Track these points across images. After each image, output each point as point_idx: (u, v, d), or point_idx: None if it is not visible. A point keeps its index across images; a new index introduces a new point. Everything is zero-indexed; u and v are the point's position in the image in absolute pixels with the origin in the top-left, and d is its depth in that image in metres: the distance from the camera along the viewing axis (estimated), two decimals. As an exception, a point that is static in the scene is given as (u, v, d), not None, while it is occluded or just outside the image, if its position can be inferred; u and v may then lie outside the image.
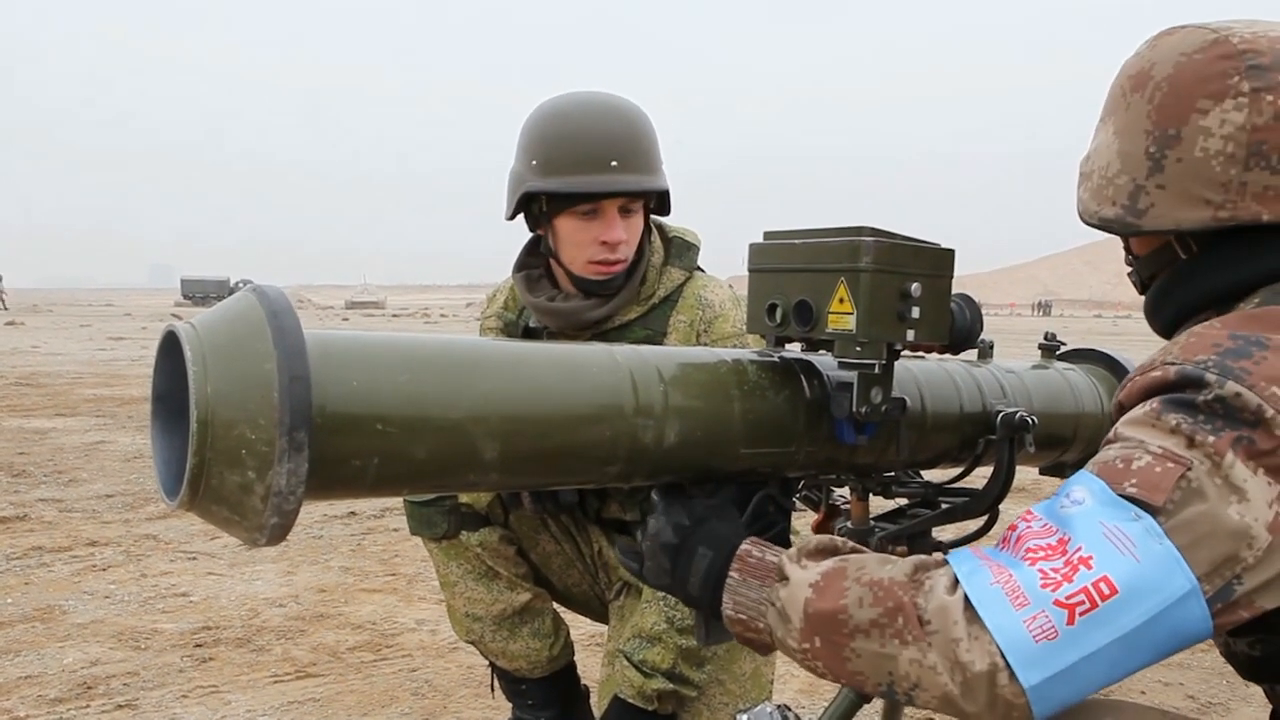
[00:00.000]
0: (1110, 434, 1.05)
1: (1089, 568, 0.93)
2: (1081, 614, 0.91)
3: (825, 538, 1.12)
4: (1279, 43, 1.12)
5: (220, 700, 2.77)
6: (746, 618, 1.11)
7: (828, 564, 1.05)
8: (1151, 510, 0.94)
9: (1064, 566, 0.94)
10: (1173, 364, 1.03)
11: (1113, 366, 1.74)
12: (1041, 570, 0.94)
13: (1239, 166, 1.10)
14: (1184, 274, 1.20)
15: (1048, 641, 0.92)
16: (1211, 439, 0.95)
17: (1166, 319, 1.23)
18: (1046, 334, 1.77)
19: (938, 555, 1.04)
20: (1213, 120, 1.11)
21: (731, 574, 1.13)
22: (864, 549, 1.11)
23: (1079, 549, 0.94)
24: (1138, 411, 1.02)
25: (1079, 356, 1.79)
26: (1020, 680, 0.91)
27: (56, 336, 21.97)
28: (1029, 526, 1.00)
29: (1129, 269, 1.31)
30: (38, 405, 9.16)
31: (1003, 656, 0.92)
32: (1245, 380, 0.97)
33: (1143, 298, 1.32)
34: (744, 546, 1.14)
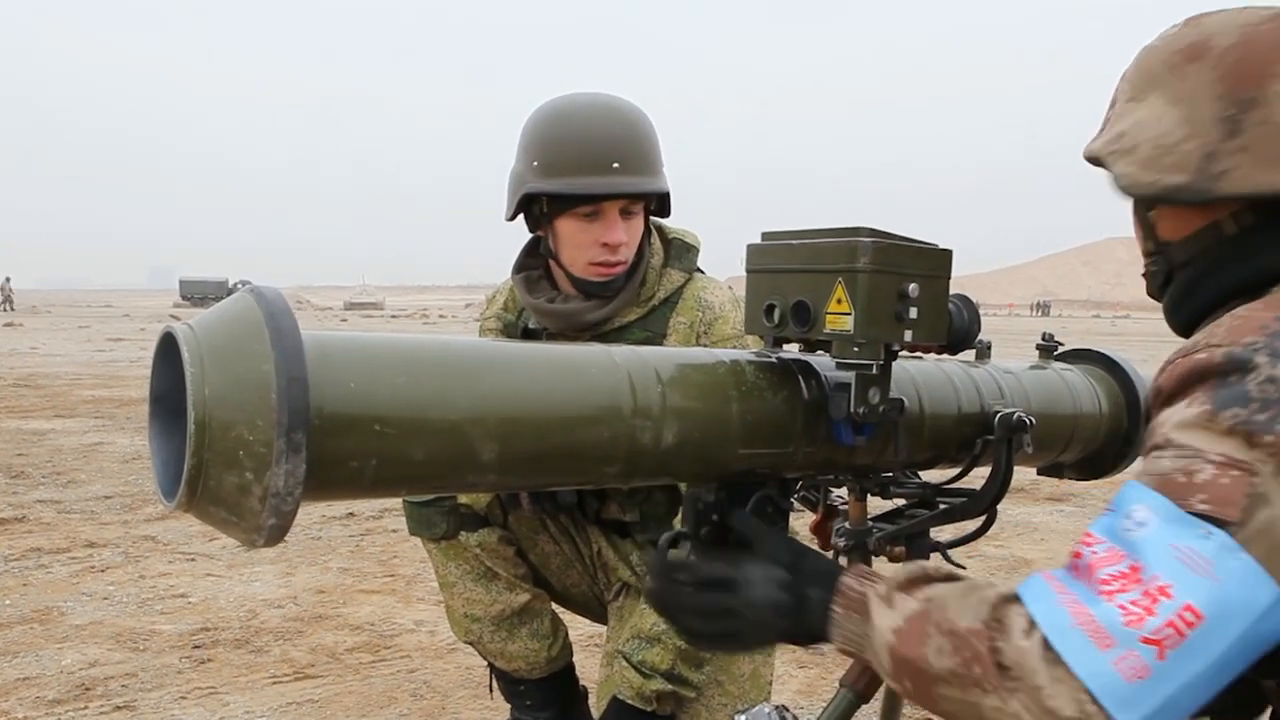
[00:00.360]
0: (1157, 437, 1.01)
1: (1169, 597, 0.90)
2: (1171, 647, 0.89)
3: (917, 566, 1.11)
4: None
5: (219, 701, 2.77)
6: (855, 650, 1.11)
7: (912, 605, 1.04)
8: (1224, 525, 0.91)
9: (1143, 599, 0.91)
10: (1218, 346, 1.00)
11: (1110, 367, 1.74)
12: (1122, 606, 0.91)
13: None
14: (1229, 251, 1.16)
15: (1140, 681, 0.89)
16: (1269, 436, 0.92)
17: (1195, 308, 1.18)
18: (1044, 334, 1.77)
19: (1013, 588, 1.01)
20: None
21: (836, 609, 1.12)
22: (956, 576, 1.08)
23: (1155, 577, 0.91)
24: (1188, 412, 0.99)
25: (1077, 357, 1.79)
26: (1117, 718, 0.89)
27: (55, 337, 21.96)
28: (1095, 553, 0.96)
29: (1150, 258, 1.26)
30: (36, 406, 9.15)
31: (1094, 702, 0.89)
32: None
33: (1148, 295, 1.30)
34: (844, 580, 1.14)
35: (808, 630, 1.15)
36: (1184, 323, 1.21)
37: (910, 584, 1.08)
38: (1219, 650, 0.89)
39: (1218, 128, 1.11)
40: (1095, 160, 1.24)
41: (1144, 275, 1.30)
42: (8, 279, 50.91)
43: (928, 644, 1.00)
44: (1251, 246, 1.14)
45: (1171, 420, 0.99)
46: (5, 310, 46.78)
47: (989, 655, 0.95)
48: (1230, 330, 1.01)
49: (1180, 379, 1.02)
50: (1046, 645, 0.92)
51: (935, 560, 1.22)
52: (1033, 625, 0.94)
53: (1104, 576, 0.94)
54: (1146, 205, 1.23)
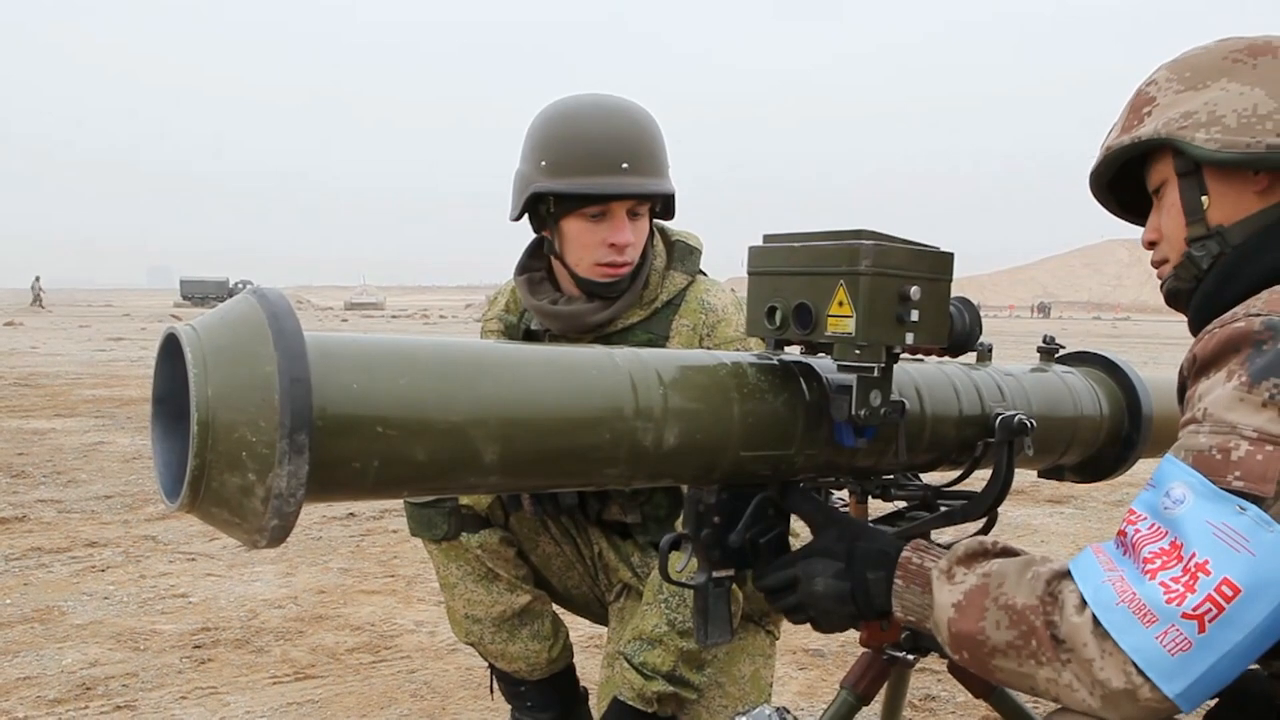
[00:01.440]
0: (1194, 409, 1.06)
1: (1207, 574, 0.95)
2: (1210, 620, 0.94)
3: (976, 541, 1.18)
4: None
5: (219, 701, 2.77)
6: (916, 619, 1.19)
7: (972, 580, 1.11)
8: (1258, 500, 0.96)
9: (1184, 575, 0.96)
10: (1258, 315, 1.04)
11: (1111, 369, 1.74)
12: (1163, 584, 0.97)
13: None
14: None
15: (1183, 654, 0.95)
16: None
17: (1240, 289, 1.18)
18: (1045, 337, 1.77)
19: (1065, 564, 1.07)
20: None
21: (897, 581, 1.20)
22: (1012, 551, 1.15)
23: (1194, 555, 0.96)
24: (1226, 388, 1.03)
25: (1077, 359, 1.79)
26: (1164, 691, 0.96)
27: (55, 337, 21.97)
28: (1139, 530, 1.02)
29: (1194, 244, 1.26)
30: (37, 406, 9.15)
31: (1141, 673, 0.96)
32: None
33: (1169, 292, 1.31)
34: (905, 554, 1.22)
35: (873, 609, 1.24)
36: (1214, 311, 1.20)
37: (969, 558, 1.14)
38: (1256, 620, 0.94)
39: None
40: (1145, 144, 1.27)
41: (1171, 267, 1.30)
42: (38, 278, 52.21)
43: (986, 618, 1.06)
44: None
45: (1209, 394, 1.04)
46: (37, 308, 47.59)
47: (1044, 629, 1.01)
48: (1269, 302, 1.06)
49: (1218, 346, 1.06)
50: (1096, 622, 0.99)
51: (994, 535, 1.27)
52: (1084, 602, 1.00)
53: (1147, 555, 0.99)
54: (1200, 188, 1.25)
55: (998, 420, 1.41)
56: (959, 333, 1.31)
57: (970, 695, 1.60)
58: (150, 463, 1.00)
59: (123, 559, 4.15)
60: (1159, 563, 0.98)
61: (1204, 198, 1.25)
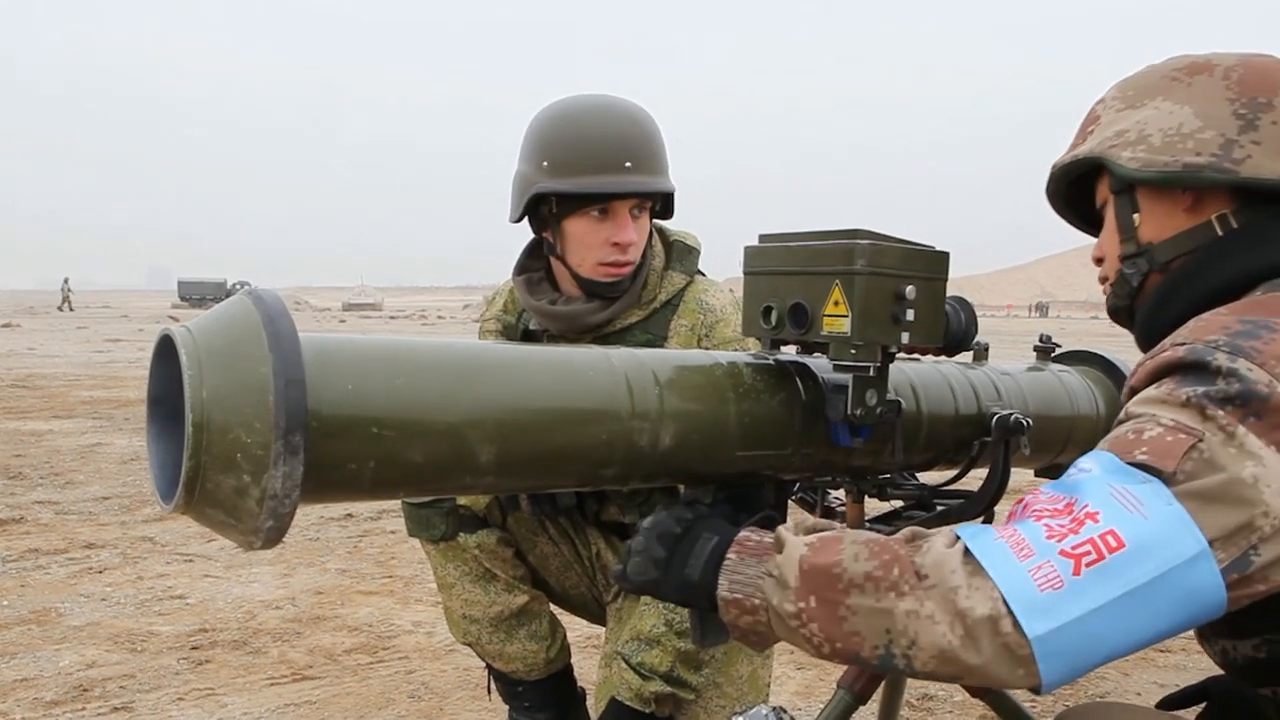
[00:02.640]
0: (1121, 415, 1.07)
1: (1095, 522, 0.93)
2: (1088, 564, 0.91)
3: (822, 520, 1.15)
4: None
5: (216, 703, 2.76)
6: (743, 596, 1.08)
7: (826, 532, 1.07)
8: (1161, 476, 0.95)
9: (1070, 522, 0.94)
10: (1183, 344, 1.05)
11: (1108, 368, 1.74)
12: (1047, 525, 0.95)
13: None
14: (1218, 250, 1.21)
15: (1053, 591, 0.91)
16: (1223, 412, 0.97)
17: (1175, 312, 1.20)
18: (1041, 336, 1.77)
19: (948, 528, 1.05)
20: None
21: (730, 555, 1.12)
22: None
23: (1085, 505, 0.95)
24: (1150, 390, 1.04)
25: (1074, 359, 1.80)
26: (1025, 629, 0.90)
27: (53, 338, 21.95)
28: (1036, 498, 1.01)
29: (1126, 261, 1.28)
30: (34, 407, 9.14)
31: (1005, 603, 0.91)
32: (1256, 358, 0.99)
33: (1109, 309, 1.34)
34: (744, 532, 1.14)
35: (682, 570, 1.14)
36: (1157, 331, 1.22)
37: (815, 529, 1.10)
38: (1136, 581, 0.91)
39: (1234, 121, 1.19)
40: (1084, 162, 1.30)
41: (1109, 285, 1.33)
42: (66, 280, 52.57)
43: (843, 551, 1.01)
44: (1235, 248, 1.19)
45: (1140, 402, 1.05)
46: (65, 310, 48.05)
47: (908, 558, 0.97)
48: (1194, 331, 1.07)
49: (1148, 374, 1.07)
50: (967, 553, 0.95)
51: None
52: (956, 538, 0.98)
53: (1038, 509, 0.98)
54: (1132, 206, 1.27)
55: (994, 419, 1.41)
56: (955, 332, 1.31)
57: (967, 695, 1.60)
58: (146, 464, 1.00)
59: (120, 560, 4.14)
60: (1048, 513, 0.96)
61: (1135, 215, 1.27)
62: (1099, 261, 1.36)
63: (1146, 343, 1.24)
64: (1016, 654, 0.91)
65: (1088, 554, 0.91)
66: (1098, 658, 0.93)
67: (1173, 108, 1.23)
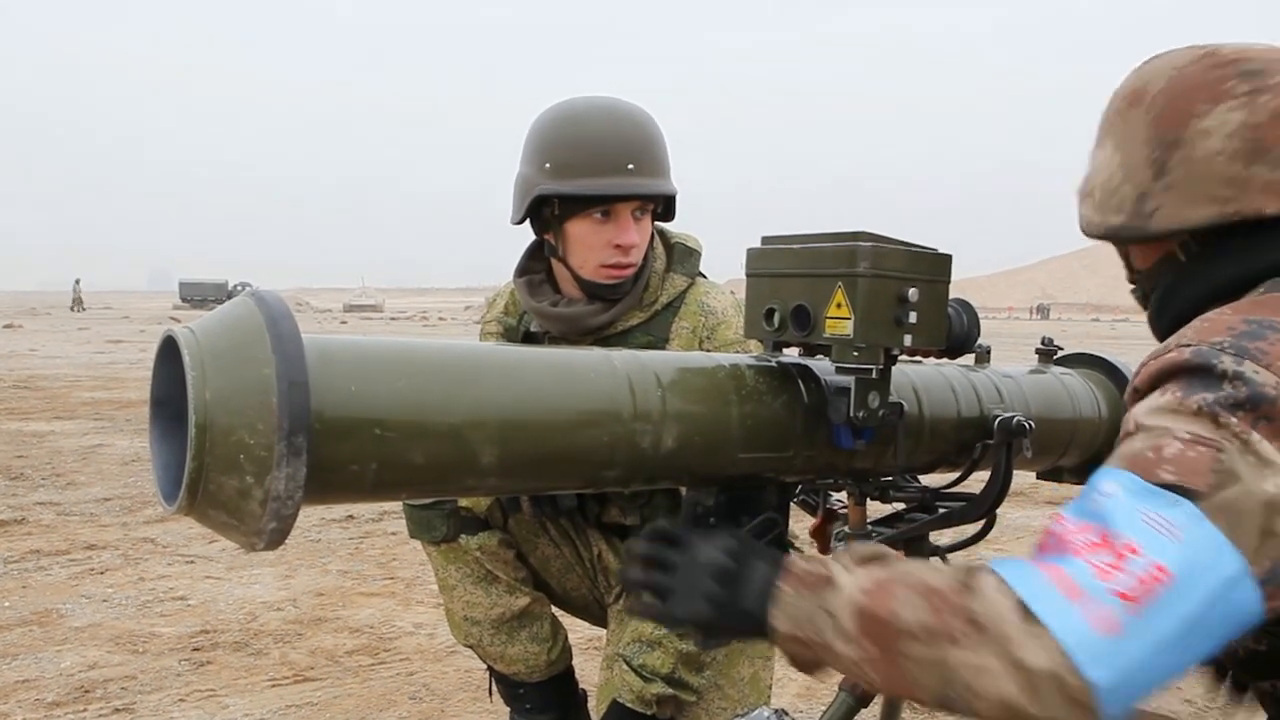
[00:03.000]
0: (1128, 424, 1.04)
1: (1137, 554, 0.91)
2: (1141, 602, 0.89)
3: (871, 546, 1.12)
4: (1269, 53, 1.18)
5: (218, 704, 2.76)
6: (800, 632, 1.07)
7: (879, 573, 1.04)
8: (1191, 495, 0.93)
9: (1112, 557, 0.92)
10: (1188, 346, 1.04)
11: (1110, 371, 1.74)
12: (1091, 563, 0.92)
13: (1241, 163, 1.14)
14: (1189, 272, 1.22)
15: (1111, 635, 0.89)
16: (1235, 419, 0.96)
17: (1172, 317, 1.24)
18: (1043, 339, 1.77)
19: (981, 564, 1.02)
20: (1212, 121, 1.15)
21: (782, 586, 1.09)
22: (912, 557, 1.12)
23: (1122, 537, 0.92)
24: (1158, 400, 1.02)
25: (1076, 361, 1.79)
26: (1087, 678, 0.88)
27: (54, 339, 21.96)
28: (1064, 527, 0.98)
29: (1132, 286, 1.34)
30: (36, 408, 9.15)
31: (1065, 653, 0.89)
32: (1261, 359, 0.99)
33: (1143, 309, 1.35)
34: (794, 560, 1.12)
35: (742, 604, 1.12)
36: (1164, 329, 1.26)
37: (871, 559, 1.08)
38: (1189, 610, 0.90)
39: (1148, 169, 1.19)
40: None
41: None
42: (78, 281, 53.00)
43: (896, 599, 0.99)
44: (1202, 271, 1.21)
45: (1141, 409, 1.03)
46: (76, 310, 48.46)
47: (962, 608, 0.95)
48: (1199, 332, 1.06)
49: (1152, 376, 1.06)
50: (1019, 600, 0.93)
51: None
52: (1003, 583, 0.95)
53: (1074, 544, 0.95)
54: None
55: (996, 422, 1.41)
56: (957, 334, 1.31)
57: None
58: (149, 465, 1.00)
59: (121, 561, 4.14)
60: (1087, 549, 0.94)
61: (1125, 247, 1.32)
62: None
63: (1162, 339, 1.24)
64: (1080, 701, 0.89)
65: (1139, 593, 0.90)
66: (1156, 688, 0.92)
67: (1110, 155, 1.25)
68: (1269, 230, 1.16)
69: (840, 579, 1.05)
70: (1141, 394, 1.07)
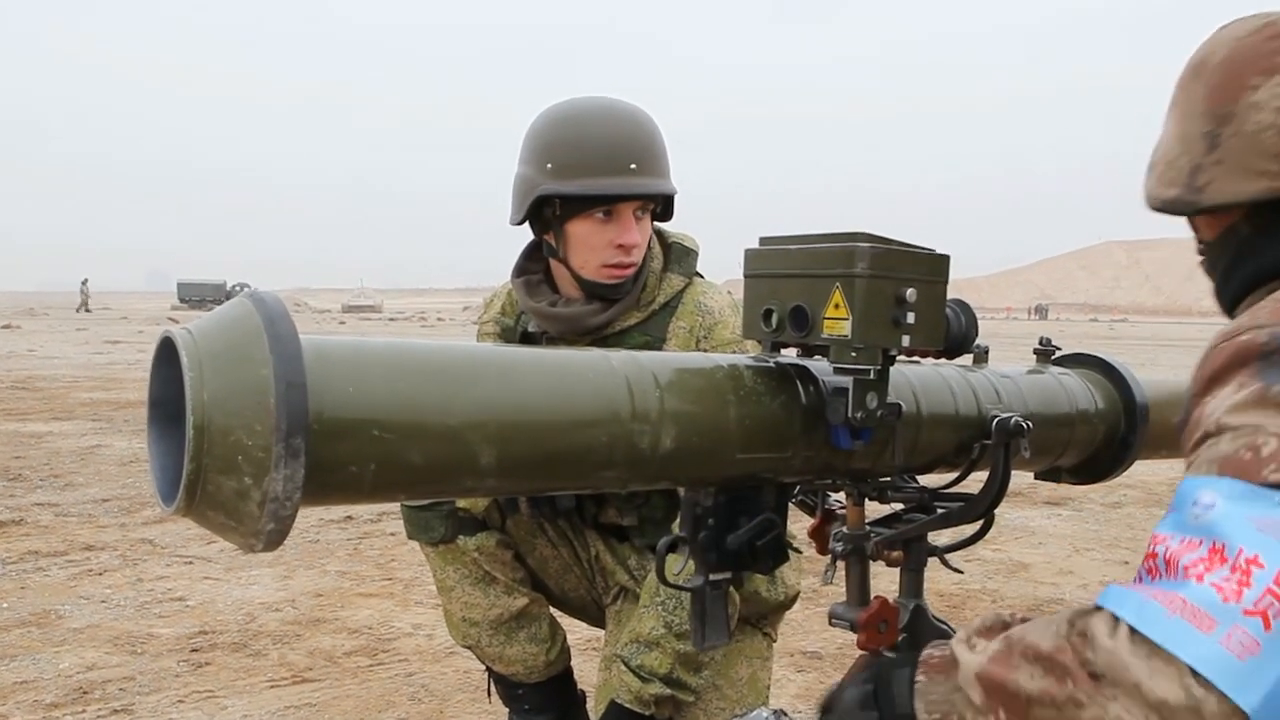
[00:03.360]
0: (1207, 425, 0.99)
1: (1261, 567, 0.86)
2: (1276, 615, 0.85)
3: (991, 616, 1.10)
4: None
5: (216, 705, 2.76)
6: (940, 714, 1.10)
7: (994, 646, 1.03)
8: None
9: (1234, 574, 0.87)
10: (1263, 327, 1.00)
11: (1108, 371, 1.74)
12: (1214, 584, 0.87)
13: None
14: (1251, 246, 1.21)
15: (1251, 656, 0.85)
16: None
17: (1234, 293, 1.23)
18: (1041, 339, 1.77)
19: (1089, 603, 0.98)
20: (1264, 95, 1.14)
21: (919, 678, 1.15)
22: (1029, 618, 1.06)
23: (1240, 551, 0.88)
24: (1238, 395, 0.97)
25: (1074, 361, 1.79)
26: (1236, 701, 0.84)
27: (53, 340, 21.95)
28: (1169, 547, 0.93)
29: (1201, 258, 1.32)
30: (34, 409, 9.14)
31: (1206, 685, 0.85)
32: None
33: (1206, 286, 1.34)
34: (925, 652, 1.15)
35: (893, 712, 1.18)
36: (1228, 304, 1.25)
37: (987, 630, 1.07)
38: None
39: (1201, 143, 1.18)
40: None
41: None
42: (85, 281, 53.11)
43: (1017, 670, 0.97)
44: (1262, 245, 1.19)
45: (1221, 406, 0.98)
46: (84, 311, 48.70)
47: (1079, 668, 0.92)
48: (1273, 312, 1.02)
49: (1226, 362, 1.01)
50: (1138, 639, 0.89)
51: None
52: (1117, 623, 0.91)
53: (1186, 564, 0.90)
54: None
55: (994, 422, 1.41)
56: (955, 335, 1.31)
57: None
58: (147, 466, 1.00)
59: (120, 562, 4.14)
60: (1202, 567, 0.88)
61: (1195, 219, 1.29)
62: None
63: (1228, 311, 1.25)
64: None
65: (1271, 606, 0.85)
66: None
67: (1173, 128, 1.24)
68: None
69: (962, 657, 1.06)
70: (1209, 378, 1.03)
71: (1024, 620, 1.06)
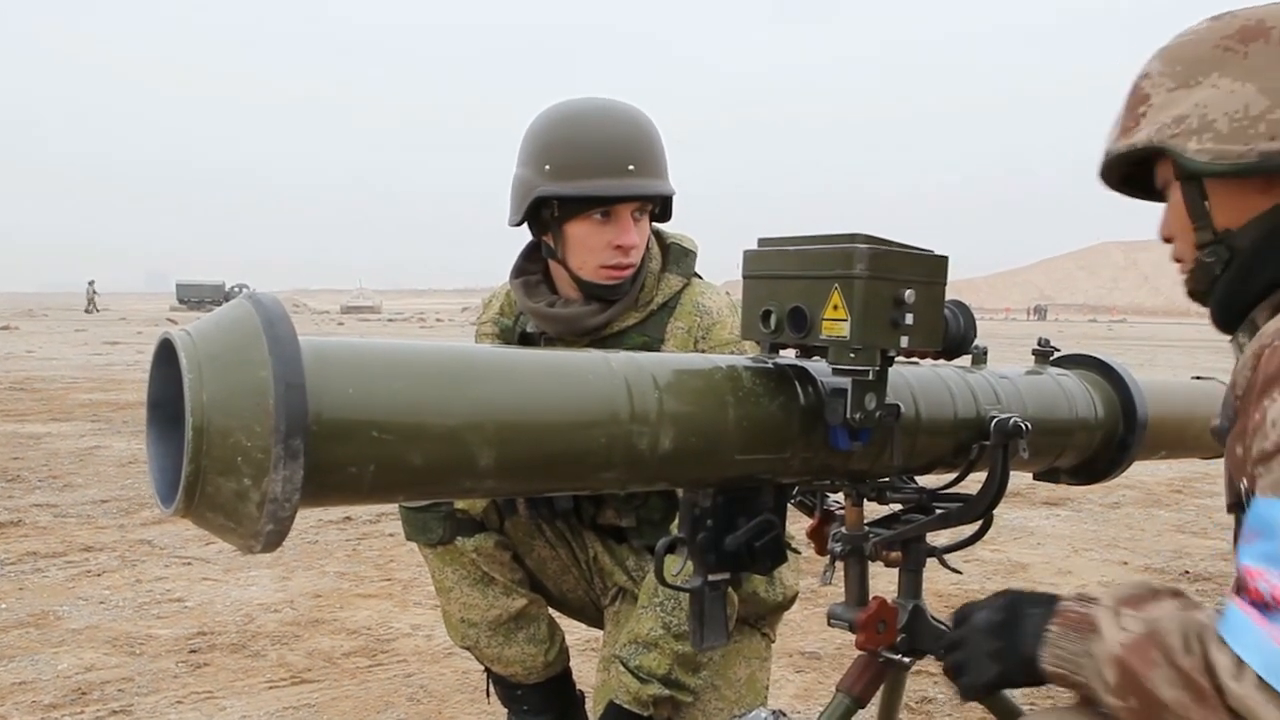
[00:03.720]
0: (1275, 439, 0.96)
1: None
2: None
3: (1140, 584, 1.08)
4: None
5: (215, 706, 2.76)
6: (1066, 671, 1.08)
7: (1138, 627, 1.01)
8: None
9: None
10: None
11: (1107, 372, 1.74)
12: None
13: None
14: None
15: None
16: None
17: (1257, 288, 1.15)
18: (1040, 339, 1.77)
19: (1214, 621, 0.97)
20: None
21: (1051, 627, 1.10)
22: (1181, 596, 1.05)
23: None
24: None
25: (1073, 362, 1.80)
26: None
27: (51, 341, 21.93)
28: (1272, 584, 0.92)
29: (1205, 249, 1.21)
30: (32, 410, 9.14)
31: None
32: None
33: (1190, 294, 1.25)
34: (1063, 602, 1.12)
35: (1019, 649, 1.14)
36: (1237, 311, 1.17)
37: (1135, 600, 1.05)
38: None
39: None
40: (1144, 151, 1.21)
41: (1187, 269, 1.25)
42: (92, 282, 53.08)
43: (1155, 670, 0.97)
44: None
45: None
46: (91, 311, 48.72)
47: (1214, 694, 0.92)
48: None
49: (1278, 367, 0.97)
50: (1266, 689, 0.89)
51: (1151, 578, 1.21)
52: (1240, 666, 0.92)
53: None
54: (1201, 194, 1.19)
55: (993, 423, 1.42)
56: (954, 336, 1.31)
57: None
58: (146, 467, 1.00)
59: (118, 563, 4.14)
60: None
61: (1206, 203, 1.19)
62: (1168, 240, 1.28)
63: (1224, 319, 1.19)
64: None
65: None
66: None
67: (1233, 85, 1.14)
68: None
69: (1105, 628, 1.04)
70: (1266, 382, 0.99)
71: (1173, 597, 1.05)
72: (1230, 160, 1.13)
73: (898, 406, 1.27)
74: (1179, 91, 1.18)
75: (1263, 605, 0.93)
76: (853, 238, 1.20)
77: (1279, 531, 0.92)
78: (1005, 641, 1.16)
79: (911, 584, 1.54)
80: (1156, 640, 0.98)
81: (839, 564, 1.52)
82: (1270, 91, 1.12)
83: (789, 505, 1.43)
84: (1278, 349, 0.98)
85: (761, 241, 1.31)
